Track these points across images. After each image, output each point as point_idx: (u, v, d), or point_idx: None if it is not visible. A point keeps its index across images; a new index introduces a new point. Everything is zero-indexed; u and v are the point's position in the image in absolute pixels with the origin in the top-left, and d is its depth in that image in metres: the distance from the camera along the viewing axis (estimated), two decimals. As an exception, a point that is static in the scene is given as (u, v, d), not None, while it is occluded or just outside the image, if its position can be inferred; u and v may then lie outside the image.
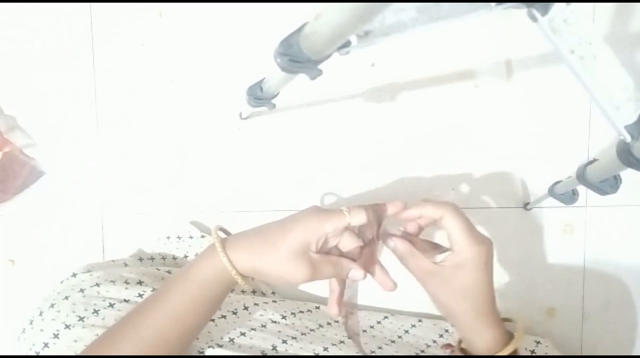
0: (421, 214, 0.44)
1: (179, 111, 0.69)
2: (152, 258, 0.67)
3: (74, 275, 0.55)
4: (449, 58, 0.68)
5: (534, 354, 0.63)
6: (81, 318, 0.49)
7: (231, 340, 0.53)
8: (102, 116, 0.69)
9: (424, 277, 0.44)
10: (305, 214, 0.42)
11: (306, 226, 0.41)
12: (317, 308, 0.65)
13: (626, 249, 0.71)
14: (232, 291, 0.62)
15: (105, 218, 0.70)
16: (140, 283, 0.55)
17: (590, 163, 0.49)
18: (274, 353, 0.54)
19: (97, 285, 0.53)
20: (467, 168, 0.69)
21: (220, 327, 0.55)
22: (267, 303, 0.62)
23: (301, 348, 0.55)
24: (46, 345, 0.48)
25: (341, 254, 0.44)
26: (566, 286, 0.71)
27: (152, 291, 0.53)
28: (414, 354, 0.60)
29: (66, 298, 0.51)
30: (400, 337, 0.64)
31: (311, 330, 0.60)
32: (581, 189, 0.57)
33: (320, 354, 0.55)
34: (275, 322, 0.59)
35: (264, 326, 0.57)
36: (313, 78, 0.37)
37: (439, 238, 0.53)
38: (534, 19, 0.34)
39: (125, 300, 0.52)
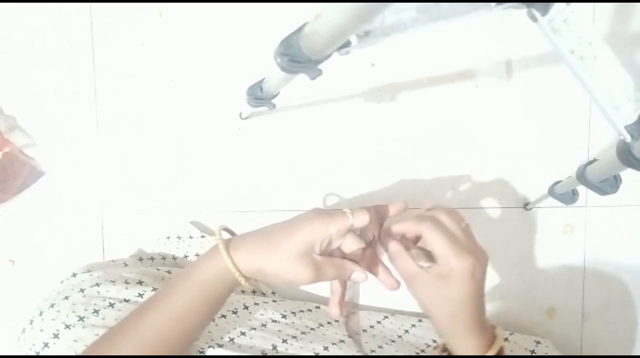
0: (404, 231, 0.44)
1: (179, 111, 0.69)
2: (152, 258, 0.67)
3: (74, 275, 0.55)
4: (449, 58, 0.68)
5: (534, 354, 0.63)
6: (81, 318, 0.49)
7: (231, 339, 0.54)
8: (102, 116, 0.69)
9: (407, 278, 0.44)
10: (309, 216, 0.42)
11: (311, 228, 0.41)
12: (318, 307, 0.66)
13: (626, 249, 0.71)
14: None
15: (105, 218, 0.70)
16: (140, 283, 0.55)
17: (590, 163, 0.49)
18: (274, 352, 0.54)
19: (97, 285, 0.53)
20: (467, 168, 0.69)
21: (221, 327, 0.55)
22: (267, 302, 0.62)
23: (301, 347, 0.55)
24: (46, 345, 0.48)
25: (343, 255, 0.44)
26: (566, 286, 0.71)
27: (152, 291, 0.53)
28: (414, 354, 0.60)
29: (66, 298, 0.51)
30: (400, 336, 0.64)
31: (311, 329, 0.60)
32: (581, 189, 0.57)
33: (320, 353, 0.55)
34: (275, 321, 0.59)
35: (264, 325, 0.57)
36: (313, 78, 0.37)
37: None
38: (534, 19, 0.34)
39: (125, 300, 0.52)
